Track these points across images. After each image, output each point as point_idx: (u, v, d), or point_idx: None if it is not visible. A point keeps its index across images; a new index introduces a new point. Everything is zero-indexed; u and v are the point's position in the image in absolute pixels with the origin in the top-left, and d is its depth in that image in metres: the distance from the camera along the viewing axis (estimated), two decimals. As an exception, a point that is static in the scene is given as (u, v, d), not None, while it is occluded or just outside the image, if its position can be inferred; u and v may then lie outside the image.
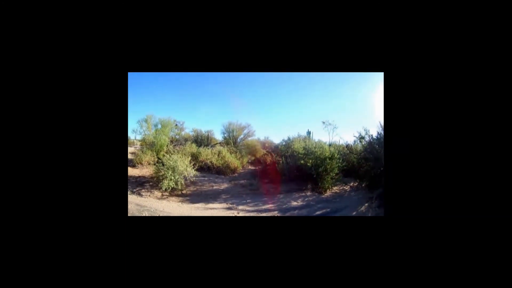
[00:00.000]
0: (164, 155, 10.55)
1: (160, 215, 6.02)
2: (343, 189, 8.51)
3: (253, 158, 13.31)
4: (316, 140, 10.69)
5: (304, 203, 7.37)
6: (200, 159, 11.09)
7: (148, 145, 13.10)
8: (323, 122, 11.94)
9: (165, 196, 7.89)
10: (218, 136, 17.58)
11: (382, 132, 7.50)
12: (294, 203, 7.35)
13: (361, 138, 8.20)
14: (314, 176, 8.25)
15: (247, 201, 7.50)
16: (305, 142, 9.82)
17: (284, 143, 10.90)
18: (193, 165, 8.85)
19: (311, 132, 12.18)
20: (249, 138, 15.22)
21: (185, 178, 8.30)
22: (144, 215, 6.00)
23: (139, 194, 7.95)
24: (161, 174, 8.15)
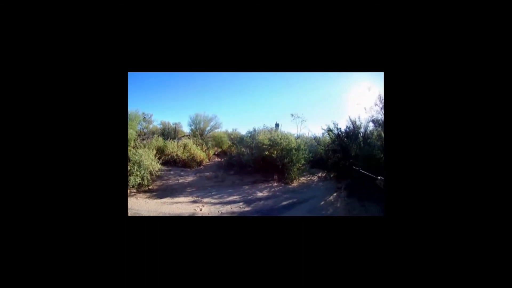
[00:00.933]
0: (130, 150, 10.48)
1: (129, 213, 6.04)
2: (310, 179, 8.82)
3: (219, 150, 13.40)
4: (285, 133, 10.87)
5: (270, 194, 7.61)
6: (166, 153, 10.99)
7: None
8: (292, 115, 12.19)
9: (132, 193, 7.86)
10: (186, 129, 17.47)
11: (352, 126, 7.85)
12: (260, 194, 7.58)
13: (329, 130, 8.46)
14: (280, 167, 8.47)
15: (212, 193, 7.66)
16: (271, 133, 9.99)
17: (249, 135, 10.99)
18: (158, 158, 8.82)
19: (280, 124, 12.37)
20: (216, 130, 15.26)
21: (151, 173, 8.27)
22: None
23: (106, 193, 7.90)
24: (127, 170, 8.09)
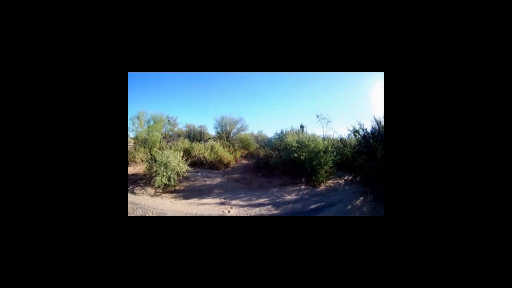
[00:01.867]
0: (156, 151, 10.52)
1: (154, 212, 6.00)
2: (337, 182, 8.50)
3: (246, 152, 13.28)
4: (310, 134, 10.64)
5: (298, 197, 7.35)
6: (192, 154, 11.03)
7: (140, 142, 13.05)
8: (317, 116, 11.91)
9: (158, 193, 7.84)
10: (212, 131, 17.58)
11: (377, 126, 7.50)
12: (288, 197, 7.33)
13: (356, 132, 8.12)
14: (308, 169, 8.22)
15: (241, 195, 7.47)
16: (298, 135, 9.74)
17: (277, 137, 10.82)
18: (185, 160, 8.79)
19: (305, 126, 12.13)
20: (242, 132, 15.24)
21: (178, 174, 8.24)
22: (137, 213, 5.99)
23: (133, 192, 7.89)
24: (153, 170, 8.07)
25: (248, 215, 6.12)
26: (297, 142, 8.86)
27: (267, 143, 11.22)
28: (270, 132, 15.18)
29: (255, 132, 15.88)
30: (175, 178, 8.11)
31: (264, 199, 7.14)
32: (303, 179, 8.35)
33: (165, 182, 7.80)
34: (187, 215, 5.96)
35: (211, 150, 11.57)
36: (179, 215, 5.93)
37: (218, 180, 9.29)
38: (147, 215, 5.77)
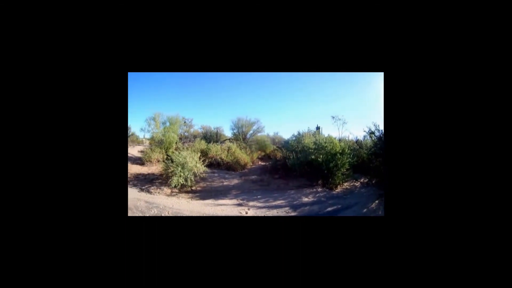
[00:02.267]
0: (173, 152, 10.56)
1: (169, 212, 5.99)
2: (353, 185, 8.39)
3: (263, 153, 13.26)
4: (326, 135, 10.55)
5: (315, 199, 7.26)
6: (209, 155, 11.04)
7: (156, 142, 13.15)
8: (333, 117, 11.76)
9: (174, 193, 7.87)
10: (228, 133, 17.65)
11: None
12: (305, 199, 7.26)
13: (371, 133, 7.98)
14: (325, 171, 8.13)
15: (258, 197, 7.42)
16: (315, 137, 9.66)
17: (294, 138, 10.75)
18: (202, 161, 8.80)
19: (320, 127, 12.04)
20: (259, 134, 15.23)
21: (194, 174, 8.26)
22: (152, 212, 6.00)
23: (148, 191, 7.94)
24: (170, 171, 8.14)
25: (265, 215, 6.09)
26: (314, 143, 8.79)
27: (284, 145, 11.19)
28: (286, 133, 15.14)
29: (271, 134, 15.87)
30: (192, 178, 8.11)
31: (281, 201, 7.08)
32: (319, 181, 8.25)
33: (182, 182, 7.83)
34: (204, 215, 5.94)
35: (228, 151, 11.61)
36: (196, 215, 5.90)
37: (235, 181, 9.29)
38: (162, 215, 5.77)
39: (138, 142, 22.50)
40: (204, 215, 5.96)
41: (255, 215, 6.31)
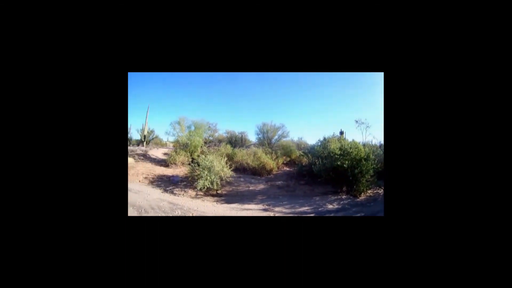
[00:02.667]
0: (199, 156, 10.69)
1: (194, 214, 6.04)
2: (376, 192, 8.27)
3: (288, 159, 13.21)
4: (350, 140, 10.43)
5: (339, 207, 7.21)
6: (235, 160, 11.18)
7: (181, 146, 13.35)
8: (356, 121, 11.62)
9: (199, 196, 7.97)
10: (252, 137, 17.76)
11: None
12: (330, 206, 7.22)
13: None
14: (350, 178, 8.03)
15: (284, 202, 7.42)
16: (340, 142, 9.55)
17: (319, 144, 10.67)
18: (229, 165, 8.88)
19: (344, 131, 11.90)
20: (284, 139, 15.24)
21: (221, 178, 8.34)
22: (176, 213, 6.11)
23: (172, 193, 8.06)
24: (196, 174, 8.27)
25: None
26: (340, 149, 8.67)
27: (310, 150, 11.12)
28: (309, 138, 15.07)
29: (295, 139, 15.92)
30: (218, 182, 8.20)
31: (306, 208, 7.06)
32: (344, 188, 8.17)
33: (207, 185, 7.93)
34: (205, 215, 6.00)
35: (253, 156, 11.67)
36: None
37: (261, 186, 9.32)
38: (146, 216, 5.79)
39: (162, 144, 22.96)
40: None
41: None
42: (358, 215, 6.82)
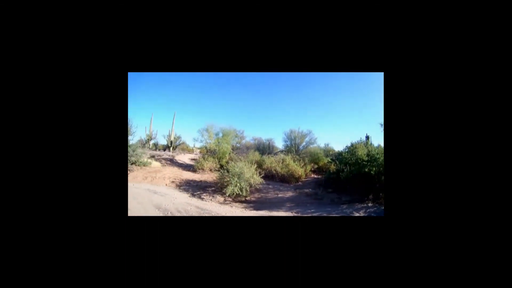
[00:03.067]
0: (227, 162, 10.87)
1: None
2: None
3: (315, 166, 13.21)
4: (376, 145, 10.31)
5: (366, 215, 7.18)
6: (264, 167, 11.29)
7: (209, 152, 13.61)
8: (381, 125, 11.45)
9: (228, 202, 8.09)
10: (279, 144, 17.84)
11: None
12: (357, 215, 7.19)
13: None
14: (377, 185, 7.98)
15: (311, 210, 7.46)
16: (367, 148, 9.48)
17: (347, 150, 10.60)
18: (258, 173, 8.98)
19: (370, 136, 11.74)
20: (311, 146, 15.26)
21: (250, 185, 8.46)
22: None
23: (200, 197, 8.24)
24: (225, 180, 8.41)
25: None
26: (367, 155, 8.62)
27: (337, 157, 11.06)
28: (336, 144, 14.99)
29: (322, 145, 15.89)
30: (247, 189, 8.32)
31: (334, 215, 7.05)
32: (370, 196, 8.11)
33: (237, 192, 8.06)
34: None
35: (282, 163, 11.75)
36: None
37: (289, 193, 9.36)
38: (146, 216, 5.87)
39: (189, 150, 23.37)
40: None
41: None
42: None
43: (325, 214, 6.82)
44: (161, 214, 6.25)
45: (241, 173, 8.33)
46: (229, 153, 13.39)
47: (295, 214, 7.01)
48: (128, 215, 5.78)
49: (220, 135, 14.35)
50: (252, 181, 8.44)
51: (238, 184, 8.11)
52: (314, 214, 6.87)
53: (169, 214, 6.31)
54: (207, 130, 14.51)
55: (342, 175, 8.97)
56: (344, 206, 7.79)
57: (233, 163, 9.15)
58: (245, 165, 8.84)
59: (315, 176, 12.19)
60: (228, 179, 8.30)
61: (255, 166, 9.28)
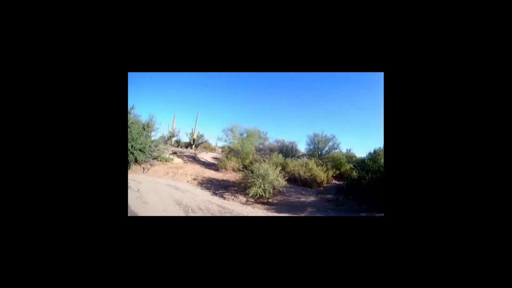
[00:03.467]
0: (251, 163, 11.02)
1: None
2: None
3: (337, 172, 13.20)
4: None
5: (366, 215, 7.33)
6: (287, 170, 11.34)
7: (232, 152, 13.80)
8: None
9: (250, 202, 8.24)
10: (301, 147, 17.89)
11: None
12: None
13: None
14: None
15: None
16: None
17: (369, 157, 10.61)
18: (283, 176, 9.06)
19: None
20: (334, 151, 15.30)
21: (273, 187, 8.54)
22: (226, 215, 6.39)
23: (222, 196, 8.44)
24: (249, 181, 8.57)
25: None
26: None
27: (359, 164, 11.10)
28: (358, 150, 14.97)
29: (344, 150, 15.92)
30: (270, 191, 8.41)
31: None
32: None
33: (260, 193, 8.18)
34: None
35: (305, 167, 11.81)
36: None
37: (311, 198, 9.42)
38: (146, 216, 5.82)
39: (211, 149, 23.65)
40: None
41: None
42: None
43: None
44: (181, 210, 6.41)
45: (266, 175, 8.45)
46: (253, 154, 13.54)
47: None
48: (148, 209, 6.05)
49: (245, 135, 14.53)
50: (276, 183, 8.54)
51: (262, 186, 8.23)
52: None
53: (190, 211, 6.47)
54: (231, 130, 14.72)
55: (364, 182, 8.98)
56: (363, 215, 7.80)
57: (258, 164, 9.27)
58: (270, 167, 8.96)
59: (337, 182, 12.23)
60: (252, 180, 8.44)
61: (280, 168, 9.36)
